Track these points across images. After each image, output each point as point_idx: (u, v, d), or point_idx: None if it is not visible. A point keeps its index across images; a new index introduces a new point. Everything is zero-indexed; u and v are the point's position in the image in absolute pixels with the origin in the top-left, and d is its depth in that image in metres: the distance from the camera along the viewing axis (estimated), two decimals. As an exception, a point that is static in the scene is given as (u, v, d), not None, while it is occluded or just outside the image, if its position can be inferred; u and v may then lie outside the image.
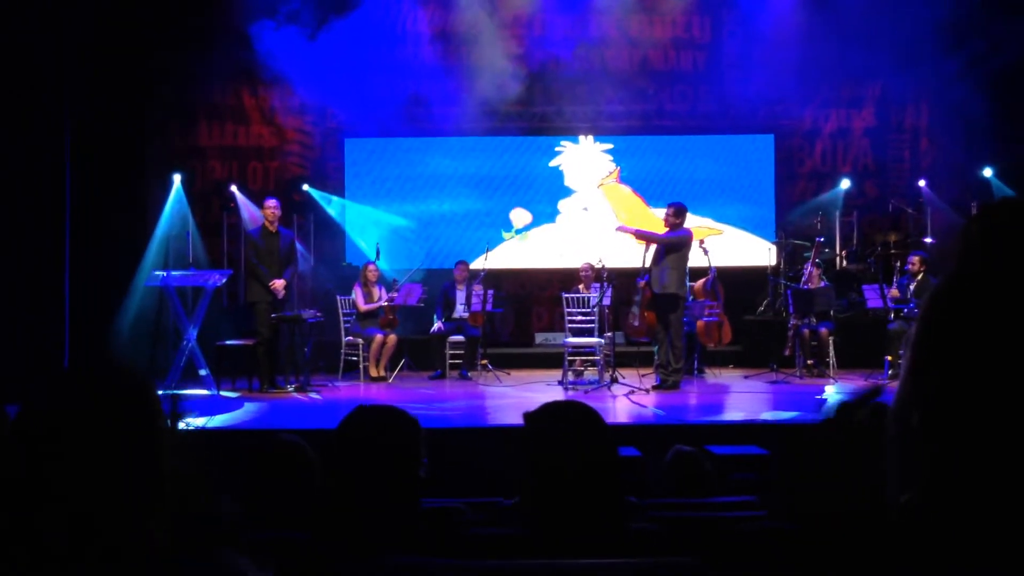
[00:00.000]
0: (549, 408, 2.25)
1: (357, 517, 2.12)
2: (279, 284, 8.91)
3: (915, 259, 9.81)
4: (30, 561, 1.26)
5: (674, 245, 8.61)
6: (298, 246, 11.53)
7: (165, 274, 8.81)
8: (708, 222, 11.80)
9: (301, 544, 2.06)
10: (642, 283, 8.99)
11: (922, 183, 11.83)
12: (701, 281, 10.22)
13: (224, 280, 9.17)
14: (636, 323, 9.17)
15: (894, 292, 9.70)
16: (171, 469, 1.35)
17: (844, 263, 11.78)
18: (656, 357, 8.94)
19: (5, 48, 8.21)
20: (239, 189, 11.42)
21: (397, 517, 2.18)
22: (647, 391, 8.52)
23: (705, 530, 2.56)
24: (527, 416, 2.23)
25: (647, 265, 8.83)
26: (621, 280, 10.40)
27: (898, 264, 10.39)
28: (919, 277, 9.64)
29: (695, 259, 9.19)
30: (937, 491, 1.03)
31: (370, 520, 2.12)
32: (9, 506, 1.28)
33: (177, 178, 10.98)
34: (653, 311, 8.88)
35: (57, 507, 1.26)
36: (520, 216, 12.28)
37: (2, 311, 8.19)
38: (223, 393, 8.59)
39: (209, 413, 7.43)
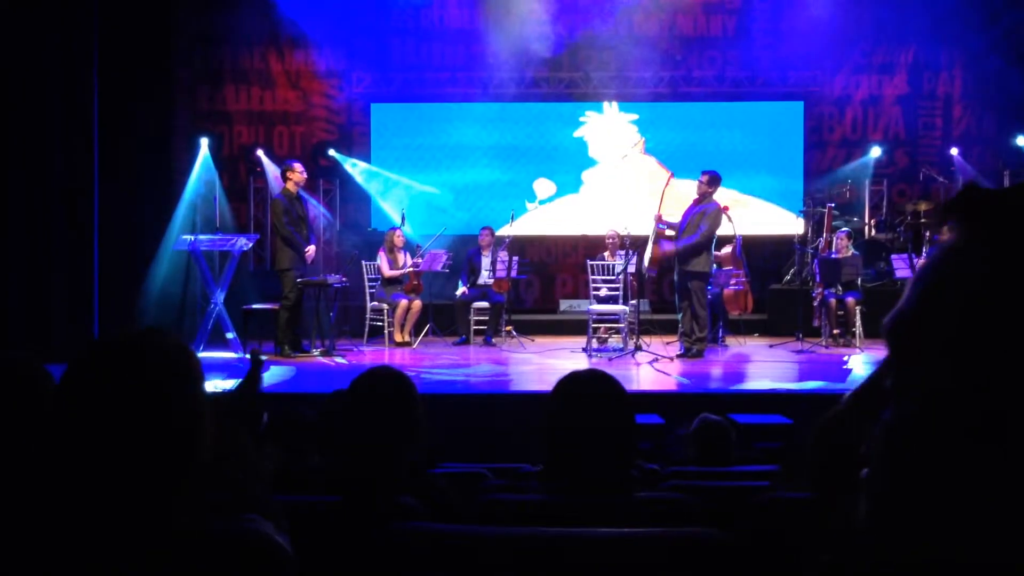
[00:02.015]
0: (570, 377, 2.25)
1: (373, 478, 2.15)
2: (312, 250, 8.96)
3: (945, 229, 9.66)
4: (60, 520, 1.29)
5: (707, 240, 8.53)
6: (324, 211, 11.59)
7: (193, 238, 8.87)
8: (734, 194, 11.66)
9: (320, 508, 2.08)
10: (658, 227, 8.76)
11: (954, 151, 11.66)
12: (727, 249, 10.15)
13: (251, 244, 9.22)
14: (648, 255, 8.80)
15: (923, 262, 9.60)
16: (208, 434, 1.36)
17: (873, 232, 11.67)
18: (680, 325, 8.92)
19: (35, 9, 8.24)
20: (265, 153, 11.45)
21: (406, 474, 2.21)
22: (671, 359, 8.51)
23: (724, 499, 2.56)
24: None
25: (661, 204, 8.78)
26: (646, 248, 10.35)
27: (928, 234, 10.27)
28: (949, 247, 9.51)
29: (721, 227, 9.10)
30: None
31: (383, 479, 2.14)
32: (48, 464, 1.31)
33: (204, 142, 11.02)
34: (661, 251, 8.69)
35: (91, 470, 1.28)
36: (544, 187, 12.25)
37: (33, 275, 8.29)
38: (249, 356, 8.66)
39: (236, 376, 7.51)
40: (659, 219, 8.75)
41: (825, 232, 10.23)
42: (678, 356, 8.65)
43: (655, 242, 8.74)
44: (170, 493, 1.31)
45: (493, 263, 10.29)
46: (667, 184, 8.90)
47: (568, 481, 2.10)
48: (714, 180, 8.65)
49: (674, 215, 8.96)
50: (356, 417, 2.20)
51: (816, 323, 9.82)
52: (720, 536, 1.54)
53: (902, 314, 0.88)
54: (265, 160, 11.33)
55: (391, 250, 10.16)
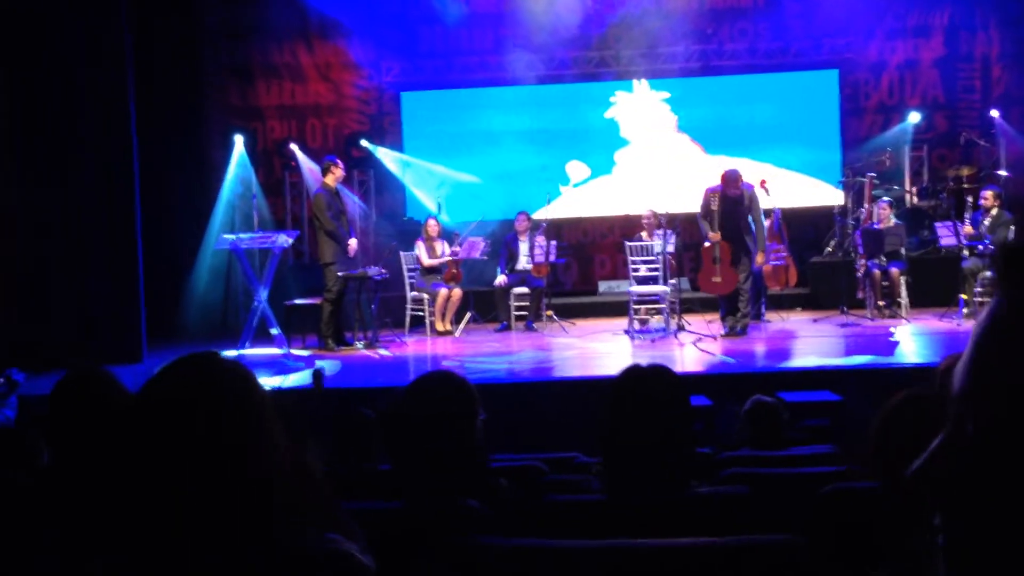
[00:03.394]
0: (629, 373, 2.24)
1: (434, 484, 2.15)
2: (354, 243, 9.01)
3: (988, 193, 9.50)
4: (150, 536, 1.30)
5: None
6: (359, 202, 11.63)
7: (235, 237, 8.93)
8: (770, 168, 11.49)
9: (393, 516, 2.08)
10: (712, 235, 8.65)
11: (995, 113, 11.42)
12: (766, 223, 10.03)
13: (292, 241, 9.28)
14: (719, 279, 8.79)
15: (967, 228, 9.44)
16: (284, 456, 1.37)
17: (915, 200, 11.49)
18: (722, 306, 8.85)
19: (66, 11, 8.30)
20: (299, 147, 11.49)
21: (467, 478, 2.20)
22: (715, 338, 8.45)
23: (786, 489, 2.54)
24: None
25: (716, 222, 8.61)
26: (684, 226, 10.28)
27: (971, 199, 10.08)
28: (993, 212, 9.36)
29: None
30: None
31: (445, 484, 2.14)
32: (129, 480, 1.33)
33: (239, 139, 11.08)
34: (735, 268, 8.66)
35: (171, 481, 1.30)
36: (577, 169, 12.18)
37: (78, 279, 8.39)
38: (294, 351, 8.73)
39: (282, 372, 7.58)
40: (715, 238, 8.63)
41: (866, 202, 10.09)
42: (722, 336, 8.59)
43: (726, 263, 8.61)
44: (245, 516, 1.32)
45: (531, 248, 10.27)
46: (710, 205, 8.70)
47: (629, 479, 2.09)
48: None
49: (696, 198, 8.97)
50: (415, 425, 2.20)
51: (860, 295, 9.69)
52: (796, 543, 1.53)
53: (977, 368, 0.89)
54: (299, 154, 11.36)
55: (428, 239, 10.17)
